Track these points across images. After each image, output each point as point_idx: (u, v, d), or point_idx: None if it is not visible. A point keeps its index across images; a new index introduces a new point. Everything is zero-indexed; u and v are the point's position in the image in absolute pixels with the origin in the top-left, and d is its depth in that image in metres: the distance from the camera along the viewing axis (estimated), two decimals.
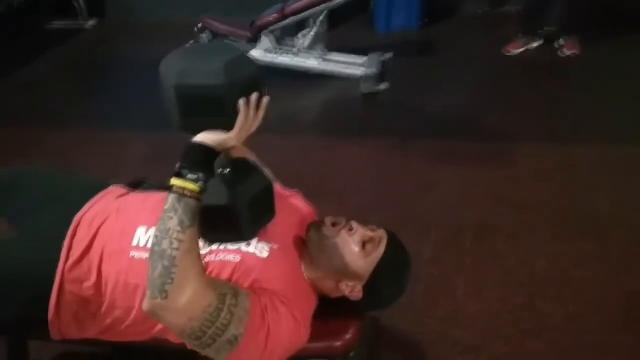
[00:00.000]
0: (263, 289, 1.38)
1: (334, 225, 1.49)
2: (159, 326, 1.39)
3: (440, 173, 3.09)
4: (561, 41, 4.48)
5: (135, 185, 1.74)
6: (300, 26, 4.27)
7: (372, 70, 4.09)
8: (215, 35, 4.30)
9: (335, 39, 4.52)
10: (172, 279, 1.21)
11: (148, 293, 1.23)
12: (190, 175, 1.22)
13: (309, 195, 1.75)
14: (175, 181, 1.23)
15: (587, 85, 3.99)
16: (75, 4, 5.54)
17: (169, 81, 1.23)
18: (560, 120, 3.56)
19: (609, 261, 2.43)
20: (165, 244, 1.21)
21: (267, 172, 1.54)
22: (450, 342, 2.09)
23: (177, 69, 1.23)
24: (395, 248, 1.51)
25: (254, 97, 1.25)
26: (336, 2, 4.02)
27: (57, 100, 4.18)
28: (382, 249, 1.48)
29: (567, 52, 4.42)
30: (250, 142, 1.34)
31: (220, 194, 1.27)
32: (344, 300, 1.52)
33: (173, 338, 1.38)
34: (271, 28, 4.16)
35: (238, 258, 1.41)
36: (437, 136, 3.46)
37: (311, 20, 4.23)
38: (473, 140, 3.38)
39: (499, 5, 5.36)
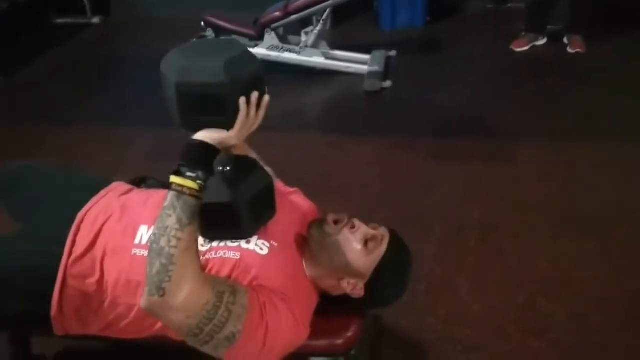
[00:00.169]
0: (262, 286, 1.38)
1: (336, 222, 1.49)
2: (160, 324, 1.40)
3: (443, 171, 3.09)
4: (565, 40, 4.48)
5: (138, 182, 1.75)
6: (304, 23, 4.27)
7: (376, 68, 4.09)
8: (218, 32, 4.30)
9: (339, 36, 4.52)
10: (170, 276, 1.20)
11: (145, 290, 1.23)
12: (189, 173, 1.22)
13: (311, 193, 1.75)
14: (174, 179, 1.23)
15: (590, 84, 3.98)
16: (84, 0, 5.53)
17: (170, 79, 1.22)
18: (562, 119, 3.55)
19: (610, 260, 2.42)
20: (163, 242, 1.21)
21: (268, 169, 1.54)
22: (452, 341, 2.09)
23: (177, 66, 1.23)
24: (397, 246, 1.51)
25: (255, 96, 1.25)
26: None
27: (58, 99, 4.17)
28: (384, 247, 1.48)
29: (572, 51, 4.41)
30: (253, 139, 1.34)
31: (221, 191, 1.27)
32: (345, 298, 1.51)
33: (173, 335, 1.38)
34: (274, 25, 4.16)
35: (238, 255, 1.41)
36: (440, 134, 3.45)
37: (315, 18, 4.23)
38: (476, 139, 3.38)
39: (503, 2, 5.35)
